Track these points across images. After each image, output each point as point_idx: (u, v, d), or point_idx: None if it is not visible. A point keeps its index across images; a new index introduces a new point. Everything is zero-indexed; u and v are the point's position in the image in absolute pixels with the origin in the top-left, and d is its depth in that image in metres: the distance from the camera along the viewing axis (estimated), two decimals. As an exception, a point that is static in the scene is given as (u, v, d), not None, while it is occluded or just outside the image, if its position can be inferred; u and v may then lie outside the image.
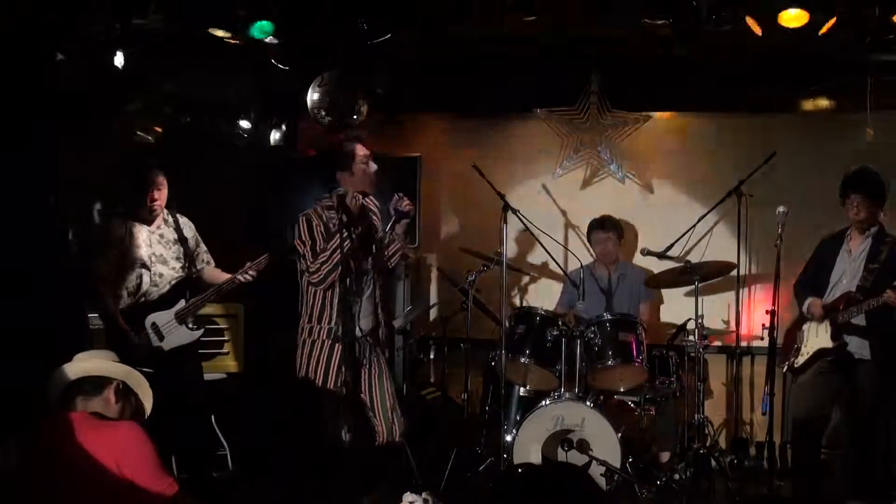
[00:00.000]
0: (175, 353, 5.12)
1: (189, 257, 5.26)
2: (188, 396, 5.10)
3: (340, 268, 4.47)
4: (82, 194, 5.65)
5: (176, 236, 5.22)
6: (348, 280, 4.54)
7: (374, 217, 4.87)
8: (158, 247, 5.16)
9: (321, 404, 4.69)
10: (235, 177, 6.57)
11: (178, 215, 5.29)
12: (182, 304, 5.15)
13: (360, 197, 4.77)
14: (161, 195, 5.14)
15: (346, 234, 4.41)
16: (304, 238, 4.64)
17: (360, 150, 4.75)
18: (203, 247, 5.40)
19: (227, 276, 5.25)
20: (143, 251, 5.10)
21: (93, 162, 5.70)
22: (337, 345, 4.63)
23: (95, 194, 5.81)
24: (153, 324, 5.09)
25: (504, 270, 5.36)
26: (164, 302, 5.13)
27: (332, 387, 4.64)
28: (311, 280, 4.63)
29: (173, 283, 5.17)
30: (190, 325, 5.17)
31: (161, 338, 5.09)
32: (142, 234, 5.12)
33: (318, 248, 4.60)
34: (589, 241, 6.39)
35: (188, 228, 5.33)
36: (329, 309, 4.66)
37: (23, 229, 4.90)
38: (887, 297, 4.72)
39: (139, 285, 5.09)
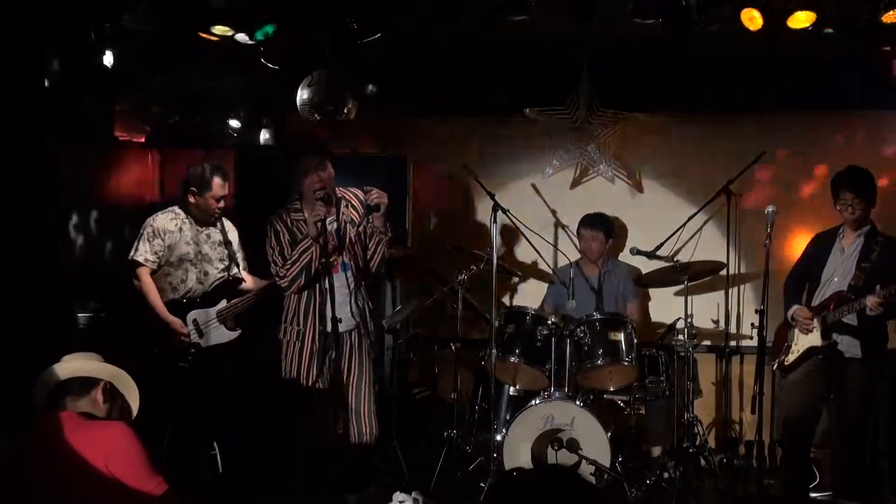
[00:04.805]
0: (212, 351, 5.24)
1: (232, 260, 5.38)
2: (222, 394, 5.24)
3: (304, 274, 4.65)
4: (77, 194, 5.64)
5: (221, 238, 5.36)
6: (318, 284, 4.70)
7: (354, 211, 4.88)
8: (205, 247, 5.31)
9: (298, 403, 4.80)
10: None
11: (223, 219, 5.41)
12: (224, 303, 5.28)
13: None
14: (226, 201, 5.29)
15: (320, 244, 4.57)
16: (272, 245, 4.79)
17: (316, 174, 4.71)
18: (241, 252, 5.51)
19: (264, 281, 5.32)
20: (191, 249, 5.23)
21: (87, 161, 5.69)
22: (307, 345, 4.75)
23: (90, 194, 5.81)
24: (195, 320, 5.21)
25: (495, 270, 5.36)
26: (206, 300, 5.27)
27: (305, 385, 4.76)
28: (279, 283, 4.78)
29: (216, 283, 5.29)
30: (229, 325, 5.28)
31: (201, 335, 5.21)
32: (191, 232, 5.26)
33: (285, 253, 4.73)
34: (577, 234, 6.38)
35: (232, 232, 5.47)
36: (299, 311, 4.79)
37: (15, 229, 4.89)
38: (868, 301, 4.72)
39: (185, 282, 5.22)
